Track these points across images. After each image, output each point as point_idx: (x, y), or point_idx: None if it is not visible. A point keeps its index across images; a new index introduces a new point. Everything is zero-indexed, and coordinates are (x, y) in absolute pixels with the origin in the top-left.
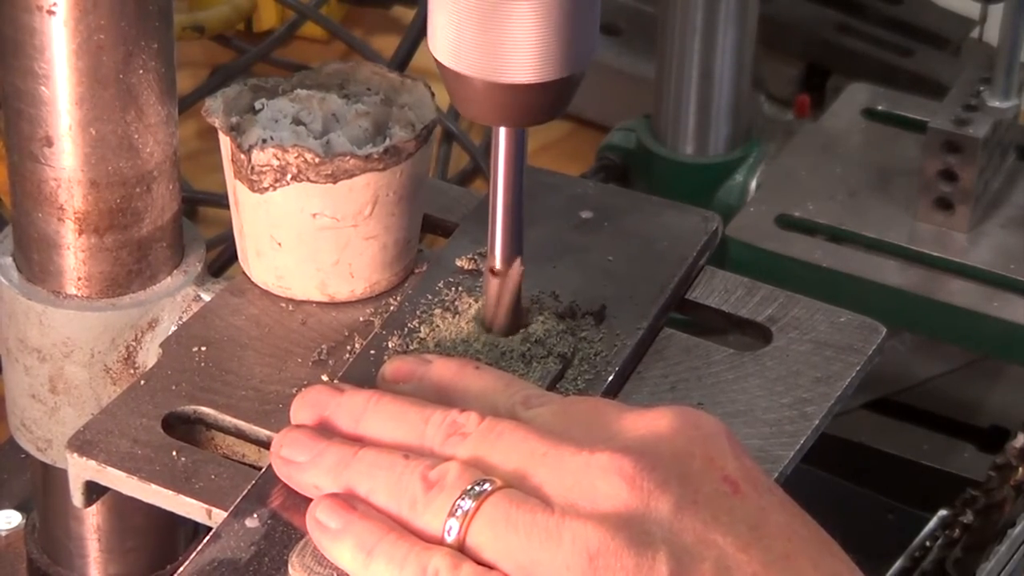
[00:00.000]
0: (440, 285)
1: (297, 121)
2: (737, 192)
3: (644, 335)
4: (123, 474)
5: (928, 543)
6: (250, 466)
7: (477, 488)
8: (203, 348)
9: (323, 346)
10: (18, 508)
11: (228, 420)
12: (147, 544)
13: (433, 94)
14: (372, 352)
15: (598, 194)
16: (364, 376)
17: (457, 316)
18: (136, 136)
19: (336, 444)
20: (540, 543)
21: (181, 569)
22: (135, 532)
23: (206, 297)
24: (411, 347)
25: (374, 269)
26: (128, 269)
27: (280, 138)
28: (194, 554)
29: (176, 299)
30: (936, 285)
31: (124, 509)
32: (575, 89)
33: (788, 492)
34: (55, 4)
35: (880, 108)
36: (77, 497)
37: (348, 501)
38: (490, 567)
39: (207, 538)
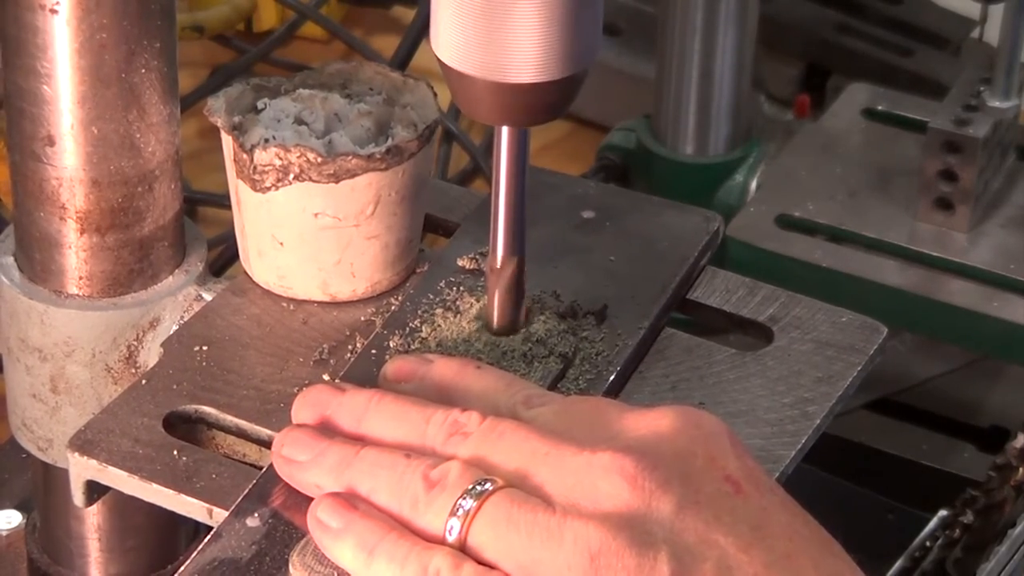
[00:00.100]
0: (441, 285)
1: (299, 121)
2: (737, 192)
3: (645, 335)
4: (124, 473)
5: (928, 543)
6: (251, 465)
7: (478, 488)
8: (204, 347)
9: (324, 346)
10: (19, 508)
11: (229, 419)
12: (148, 543)
13: (435, 94)
14: (373, 352)
15: (599, 194)
16: (365, 376)
17: (458, 316)
18: (138, 135)
19: (337, 443)
20: (541, 543)
21: (182, 568)
22: (136, 531)
23: (207, 297)
24: (412, 347)
25: (376, 269)
26: (130, 268)
27: (282, 138)
28: (195, 553)
29: (178, 299)
30: (936, 285)
31: (125, 508)
32: (578, 88)
33: (789, 492)
34: (58, 3)
35: (880, 108)
36: (78, 497)
37: (349, 500)
38: (491, 567)
39: (208, 537)
